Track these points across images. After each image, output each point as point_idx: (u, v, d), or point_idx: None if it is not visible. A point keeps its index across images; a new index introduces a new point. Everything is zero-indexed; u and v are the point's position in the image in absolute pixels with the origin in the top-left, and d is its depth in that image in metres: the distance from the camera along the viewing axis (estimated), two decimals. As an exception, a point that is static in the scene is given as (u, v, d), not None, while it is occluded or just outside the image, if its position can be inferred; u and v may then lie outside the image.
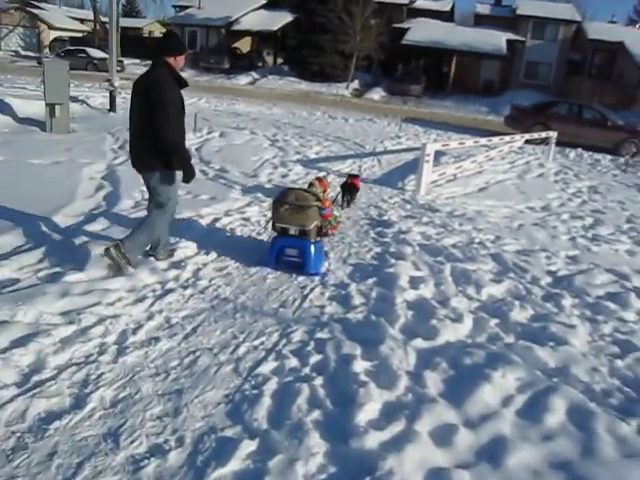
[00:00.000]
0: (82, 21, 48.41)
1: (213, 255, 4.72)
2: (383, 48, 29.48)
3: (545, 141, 13.79)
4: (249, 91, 24.91)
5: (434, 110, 24.79)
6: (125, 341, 3.20)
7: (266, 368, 3.06)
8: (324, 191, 5.48)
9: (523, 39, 32.37)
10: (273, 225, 4.56)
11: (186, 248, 4.68)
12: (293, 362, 3.14)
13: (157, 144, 3.82)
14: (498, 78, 33.00)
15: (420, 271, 4.83)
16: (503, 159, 12.27)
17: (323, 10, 28.66)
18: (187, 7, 39.34)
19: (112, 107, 13.59)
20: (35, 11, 44.15)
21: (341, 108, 21.01)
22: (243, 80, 29.89)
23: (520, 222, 7.39)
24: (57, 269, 3.99)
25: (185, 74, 30.39)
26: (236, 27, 36.05)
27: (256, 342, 3.36)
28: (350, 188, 6.97)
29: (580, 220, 7.91)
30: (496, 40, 31.26)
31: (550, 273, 5.26)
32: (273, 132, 12.58)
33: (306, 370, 3.08)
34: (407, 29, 33.02)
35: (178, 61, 3.97)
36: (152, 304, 3.70)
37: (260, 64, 35.53)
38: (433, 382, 3.03)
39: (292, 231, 4.45)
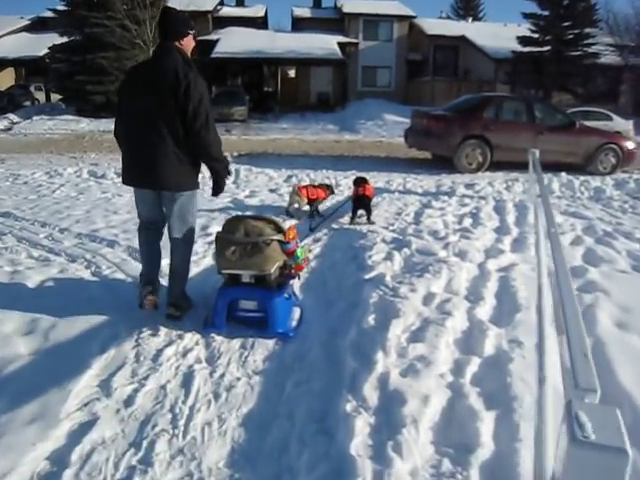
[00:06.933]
0: None
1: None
2: (190, 64, 22.31)
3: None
4: (-2, 141, 15.72)
5: (272, 136, 18.07)
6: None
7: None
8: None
9: (356, 41, 27.43)
10: (219, 271, 3.10)
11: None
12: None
13: (192, 154, 2.94)
14: (333, 89, 27.75)
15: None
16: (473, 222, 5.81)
17: (98, 19, 20.53)
18: None
19: None
20: None
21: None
22: (-5, 126, 20.40)
23: None
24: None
25: None
26: (-17, 56, 26.49)
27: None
28: (362, 200, 5.42)
29: None
30: (326, 44, 25.86)
31: None
32: None
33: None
34: (217, 40, 26.40)
35: (188, 43, 2.95)
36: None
37: (28, 102, 26.37)
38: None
39: (246, 278, 3.02)
